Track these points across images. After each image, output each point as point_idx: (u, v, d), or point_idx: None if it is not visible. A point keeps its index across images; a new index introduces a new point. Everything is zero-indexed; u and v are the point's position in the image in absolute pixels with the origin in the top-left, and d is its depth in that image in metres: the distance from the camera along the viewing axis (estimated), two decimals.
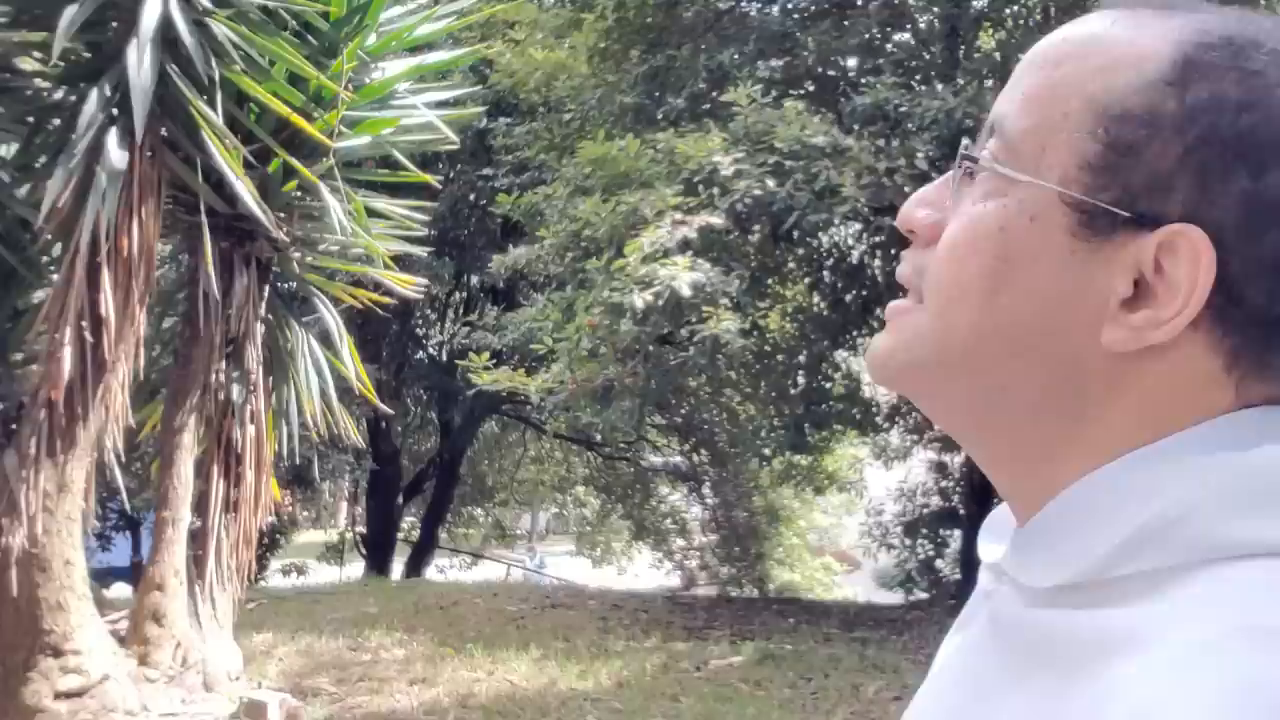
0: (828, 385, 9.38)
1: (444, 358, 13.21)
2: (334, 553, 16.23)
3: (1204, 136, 0.49)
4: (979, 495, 8.96)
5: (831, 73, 8.73)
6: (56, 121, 4.26)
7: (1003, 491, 0.60)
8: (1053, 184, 0.52)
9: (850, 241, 8.73)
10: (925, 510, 11.38)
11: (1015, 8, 8.57)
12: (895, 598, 10.99)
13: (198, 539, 4.66)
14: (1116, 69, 0.52)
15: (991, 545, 0.62)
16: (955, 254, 0.55)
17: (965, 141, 0.59)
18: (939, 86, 6.93)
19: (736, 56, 8.19)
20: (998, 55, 8.23)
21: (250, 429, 4.75)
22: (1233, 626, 0.43)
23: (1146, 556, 0.48)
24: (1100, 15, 0.56)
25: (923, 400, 0.60)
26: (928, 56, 8.46)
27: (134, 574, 10.97)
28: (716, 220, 6.52)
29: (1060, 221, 0.52)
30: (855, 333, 9.16)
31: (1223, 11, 0.54)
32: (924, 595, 10.68)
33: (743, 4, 8.95)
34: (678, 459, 14.08)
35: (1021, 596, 0.55)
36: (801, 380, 9.36)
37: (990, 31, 8.85)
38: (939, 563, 11.13)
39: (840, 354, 9.53)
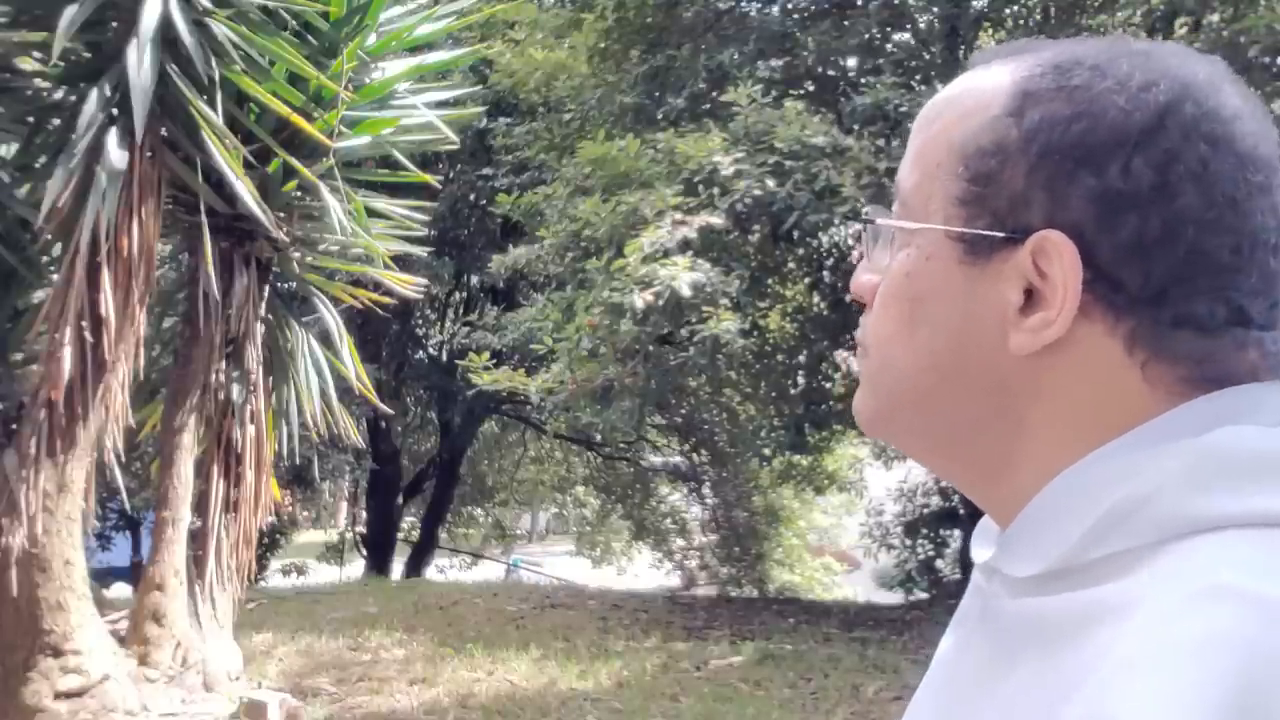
0: (828, 385, 9.37)
1: (444, 358, 13.20)
2: (334, 553, 16.23)
3: (1043, 151, 0.56)
4: None
5: (831, 73, 8.73)
6: (56, 121, 4.26)
7: (984, 506, 0.65)
8: (937, 224, 0.60)
9: (850, 241, 8.72)
10: (925, 510, 11.38)
11: (1015, 8, 8.58)
12: (895, 598, 10.99)
13: (198, 539, 4.66)
14: (971, 115, 0.60)
15: (982, 549, 0.66)
16: (881, 305, 0.63)
17: (868, 209, 0.66)
18: (939, 86, 6.92)
19: (736, 56, 8.18)
20: None
21: (250, 429, 4.75)
22: (1201, 588, 0.47)
23: (1118, 538, 0.53)
24: (966, 74, 0.64)
25: (896, 439, 0.66)
26: (928, 56, 8.45)
27: (134, 574, 10.97)
28: (716, 220, 6.52)
29: (951, 255, 0.59)
30: (855, 333, 9.13)
31: (1062, 42, 0.61)
32: (924, 595, 10.68)
33: (743, 4, 8.94)
34: (678, 459, 14.07)
35: (1009, 589, 0.59)
36: (801, 380, 9.35)
37: (990, 31, 8.85)
38: (939, 563, 11.13)
39: (840, 354, 9.52)
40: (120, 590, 9.23)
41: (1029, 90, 0.58)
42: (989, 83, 0.60)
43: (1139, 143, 0.55)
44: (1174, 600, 0.47)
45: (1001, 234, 0.57)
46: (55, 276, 4.10)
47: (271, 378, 4.94)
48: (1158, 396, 0.56)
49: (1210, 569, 0.48)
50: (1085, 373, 0.57)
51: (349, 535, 16.15)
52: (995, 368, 0.58)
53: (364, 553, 14.49)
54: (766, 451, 9.70)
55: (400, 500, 14.64)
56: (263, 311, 4.72)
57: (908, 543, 11.35)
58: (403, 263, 5.44)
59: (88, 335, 3.89)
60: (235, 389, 4.69)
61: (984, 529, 0.67)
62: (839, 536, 17.91)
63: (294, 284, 5.13)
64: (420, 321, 13.69)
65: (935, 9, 8.22)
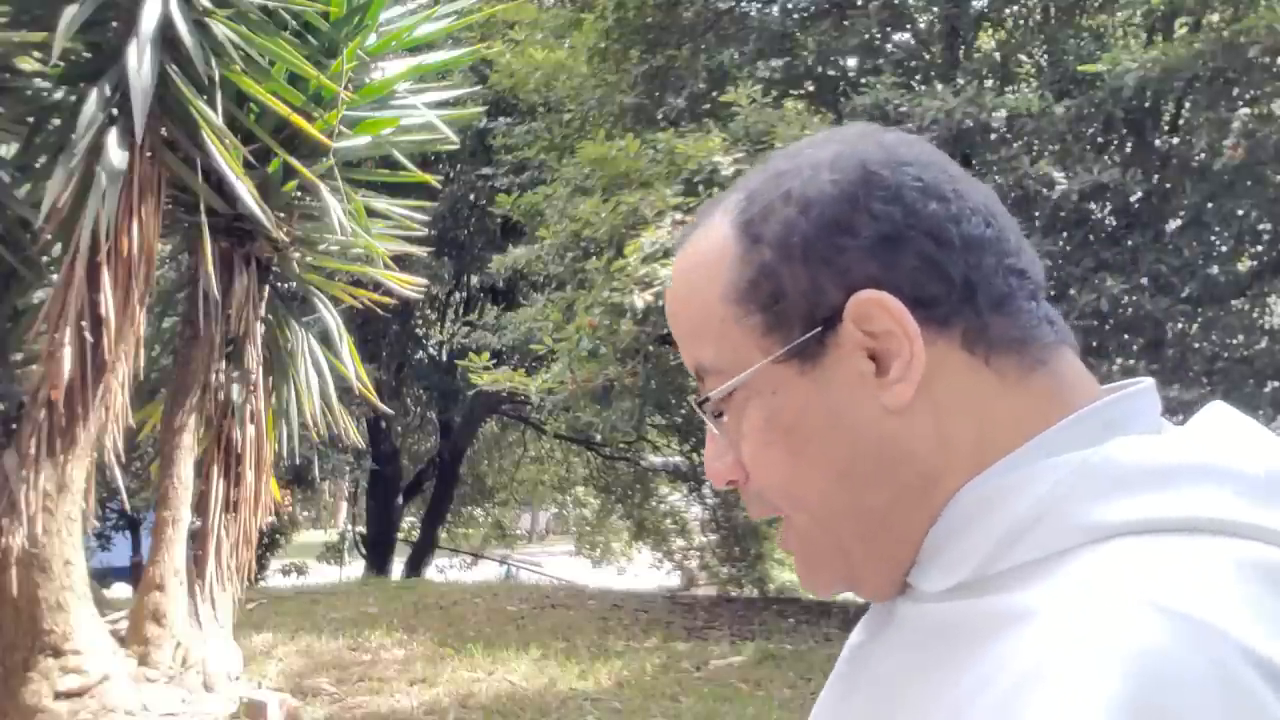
0: None
1: (444, 358, 13.20)
2: (334, 553, 16.22)
3: (805, 246, 0.62)
4: None
5: (831, 73, 8.73)
6: (56, 121, 4.26)
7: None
8: (760, 363, 0.63)
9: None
10: None
11: (1015, 8, 8.57)
12: None
13: (198, 539, 4.66)
14: (717, 268, 0.65)
15: None
16: (760, 462, 0.65)
17: (692, 398, 0.69)
18: (939, 86, 6.93)
19: (736, 56, 8.18)
20: (998, 55, 8.22)
21: (250, 429, 4.75)
22: (1100, 596, 0.51)
23: (1023, 549, 0.57)
24: (679, 254, 0.70)
25: (856, 572, 0.66)
26: (928, 56, 8.46)
27: (134, 574, 10.98)
28: None
29: (789, 375, 0.63)
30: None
31: (746, 183, 0.68)
32: None
33: (743, 4, 8.94)
34: (678, 459, 14.06)
35: (916, 598, 0.64)
36: None
37: (990, 31, 8.85)
38: None
39: None
40: (120, 590, 9.23)
41: (746, 219, 0.65)
42: (708, 239, 0.67)
43: (863, 194, 0.62)
44: (1078, 607, 0.51)
45: (818, 328, 0.62)
46: (55, 276, 4.10)
47: (271, 378, 4.94)
48: (1014, 389, 0.62)
49: (1102, 580, 0.52)
50: (956, 388, 0.61)
51: (349, 535, 16.15)
52: (889, 437, 0.61)
53: (364, 553, 14.49)
54: None
55: (400, 500, 14.63)
56: (263, 311, 4.72)
57: None
58: (403, 263, 5.44)
59: (88, 335, 3.90)
60: (235, 389, 4.69)
61: None
62: None
63: (294, 284, 5.13)
64: (420, 321, 13.69)
65: (935, 9, 8.22)
